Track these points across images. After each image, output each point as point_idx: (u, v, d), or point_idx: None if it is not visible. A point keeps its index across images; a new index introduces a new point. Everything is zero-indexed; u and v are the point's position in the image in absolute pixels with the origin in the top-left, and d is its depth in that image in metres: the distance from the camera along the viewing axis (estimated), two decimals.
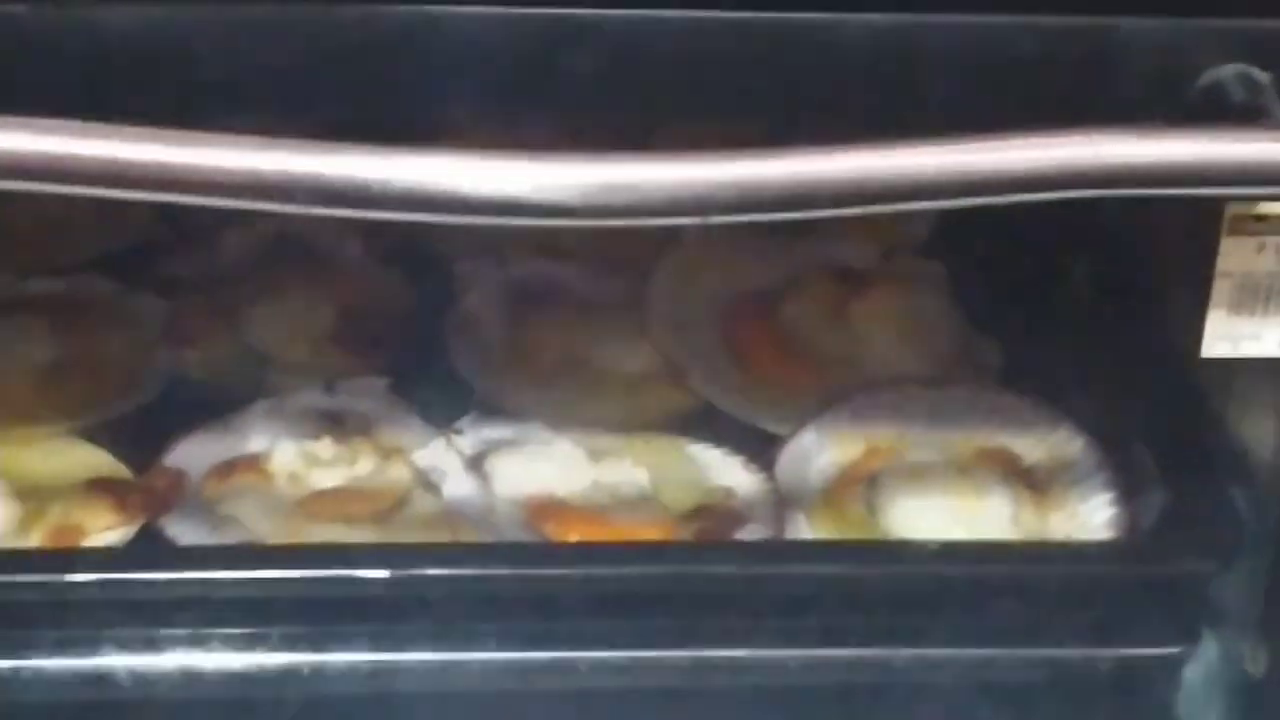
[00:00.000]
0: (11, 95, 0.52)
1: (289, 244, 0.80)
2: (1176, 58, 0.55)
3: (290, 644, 0.67)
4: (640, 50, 0.55)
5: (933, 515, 0.71)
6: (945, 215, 0.82)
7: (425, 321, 0.80)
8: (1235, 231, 0.57)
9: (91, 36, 0.54)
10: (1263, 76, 0.54)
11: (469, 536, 0.71)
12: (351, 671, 0.68)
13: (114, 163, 0.51)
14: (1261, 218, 0.57)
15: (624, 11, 0.54)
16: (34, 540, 0.69)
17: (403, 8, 0.54)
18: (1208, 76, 0.54)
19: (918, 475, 0.73)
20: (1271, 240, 0.58)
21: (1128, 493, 0.73)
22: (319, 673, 0.68)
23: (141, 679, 0.67)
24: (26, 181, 0.51)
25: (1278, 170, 0.53)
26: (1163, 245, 0.64)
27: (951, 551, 0.70)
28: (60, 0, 0.53)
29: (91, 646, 0.67)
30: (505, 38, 0.55)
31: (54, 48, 0.54)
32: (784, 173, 0.53)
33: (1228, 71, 0.54)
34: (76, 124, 0.51)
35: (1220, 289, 0.58)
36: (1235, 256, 0.57)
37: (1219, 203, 0.56)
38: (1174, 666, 0.71)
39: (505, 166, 0.51)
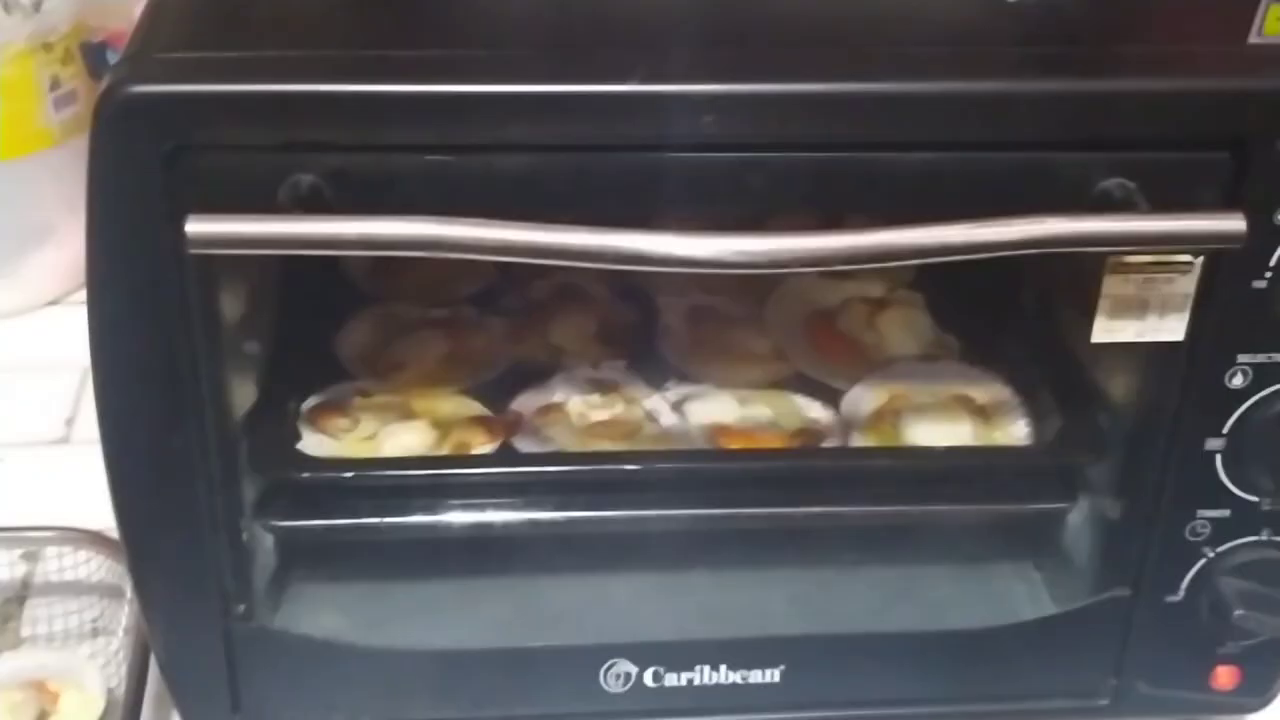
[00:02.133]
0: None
1: (570, 287, 0.79)
2: (1085, 175, 0.53)
3: (582, 505, 0.65)
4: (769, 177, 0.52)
5: (929, 434, 0.70)
6: (921, 266, 0.79)
7: (645, 329, 0.79)
8: (1113, 271, 0.56)
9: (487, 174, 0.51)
10: (1131, 185, 0.53)
11: (676, 446, 0.71)
12: (609, 521, 0.65)
13: (495, 240, 0.49)
14: (1126, 264, 0.55)
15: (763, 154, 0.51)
16: (444, 451, 0.68)
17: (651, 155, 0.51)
18: (1100, 185, 0.53)
19: (920, 411, 0.71)
20: (1134, 277, 0.56)
21: (1038, 420, 0.71)
22: (597, 523, 0.65)
23: (502, 527, 0.65)
24: (442, 251, 0.49)
25: (1135, 238, 0.53)
26: (1069, 278, 0.62)
27: (941, 452, 0.69)
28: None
29: (479, 508, 0.65)
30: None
31: (457, 186, 0.51)
32: (849, 243, 0.51)
33: (1111, 182, 0.53)
34: (472, 220, 0.49)
35: (1103, 305, 0.57)
36: (1112, 286, 0.56)
37: (1104, 254, 0.55)
38: (1063, 515, 0.69)
39: (699, 241, 0.50)
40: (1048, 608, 0.66)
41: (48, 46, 0.82)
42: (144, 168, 0.48)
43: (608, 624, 0.63)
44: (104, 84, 0.49)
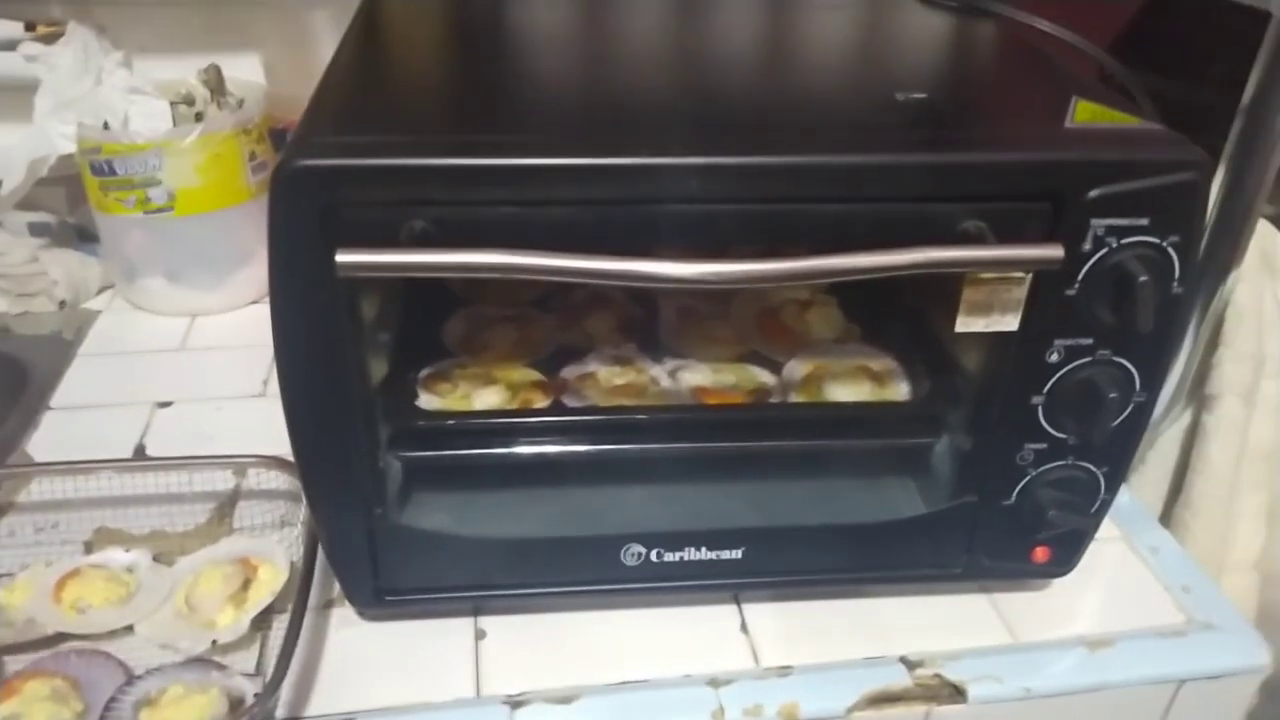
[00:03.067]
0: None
1: (599, 296, 0.77)
2: (951, 218, 0.52)
3: (608, 441, 0.63)
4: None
5: (842, 393, 0.68)
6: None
7: (649, 322, 0.75)
8: (970, 284, 0.54)
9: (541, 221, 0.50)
10: (983, 225, 0.52)
11: (671, 402, 0.69)
12: (625, 452, 0.63)
13: (545, 266, 0.49)
14: (979, 279, 0.54)
15: (729, 206, 0.50)
16: (514, 406, 0.66)
17: (653, 206, 0.50)
18: (962, 225, 0.52)
19: (835, 377, 0.69)
20: (984, 288, 0.54)
21: (915, 383, 0.68)
22: (618, 453, 0.63)
23: (553, 456, 0.63)
24: (510, 274, 0.49)
25: (986, 262, 0.52)
26: (938, 288, 0.58)
27: (850, 405, 0.67)
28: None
29: (538, 444, 0.63)
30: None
31: (521, 229, 0.50)
32: (786, 267, 0.50)
33: (970, 223, 0.52)
34: (531, 252, 0.48)
35: (962, 307, 0.55)
36: (969, 294, 0.54)
37: (964, 273, 0.54)
38: (932, 446, 0.66)
39: (684, 266, 0.49)
40: (921, 509, 0.65)
41: (247, 131, 0.81)
42: (305, 217, 0.48)
43: (625, 521, 0.61)
44: (279, 160, 0.48)
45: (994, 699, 0.57)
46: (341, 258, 0.48)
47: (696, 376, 0.69)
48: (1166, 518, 0.80)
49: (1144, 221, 0.51)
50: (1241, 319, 0.74)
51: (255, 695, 0.51)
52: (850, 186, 0.51)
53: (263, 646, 0.57)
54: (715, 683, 0.57)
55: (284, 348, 0.51)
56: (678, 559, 0.60)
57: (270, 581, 0.60)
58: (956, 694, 0.57)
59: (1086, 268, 0.52)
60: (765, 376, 0.69)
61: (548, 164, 0.49)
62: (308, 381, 0.52)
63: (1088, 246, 0.52)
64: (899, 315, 0.70)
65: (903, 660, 0.58)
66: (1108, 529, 0.65)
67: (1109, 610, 0.62)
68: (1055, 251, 0.51)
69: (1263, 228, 0.73)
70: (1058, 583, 0.64)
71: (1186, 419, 0.80)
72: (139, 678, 0.53)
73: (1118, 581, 0.64)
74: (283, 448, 0.55)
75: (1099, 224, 0.51)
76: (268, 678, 0.51)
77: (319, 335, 0.51)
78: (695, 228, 0.50)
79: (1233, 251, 0.72)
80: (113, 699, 0.51)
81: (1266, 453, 0.78)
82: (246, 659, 0.56)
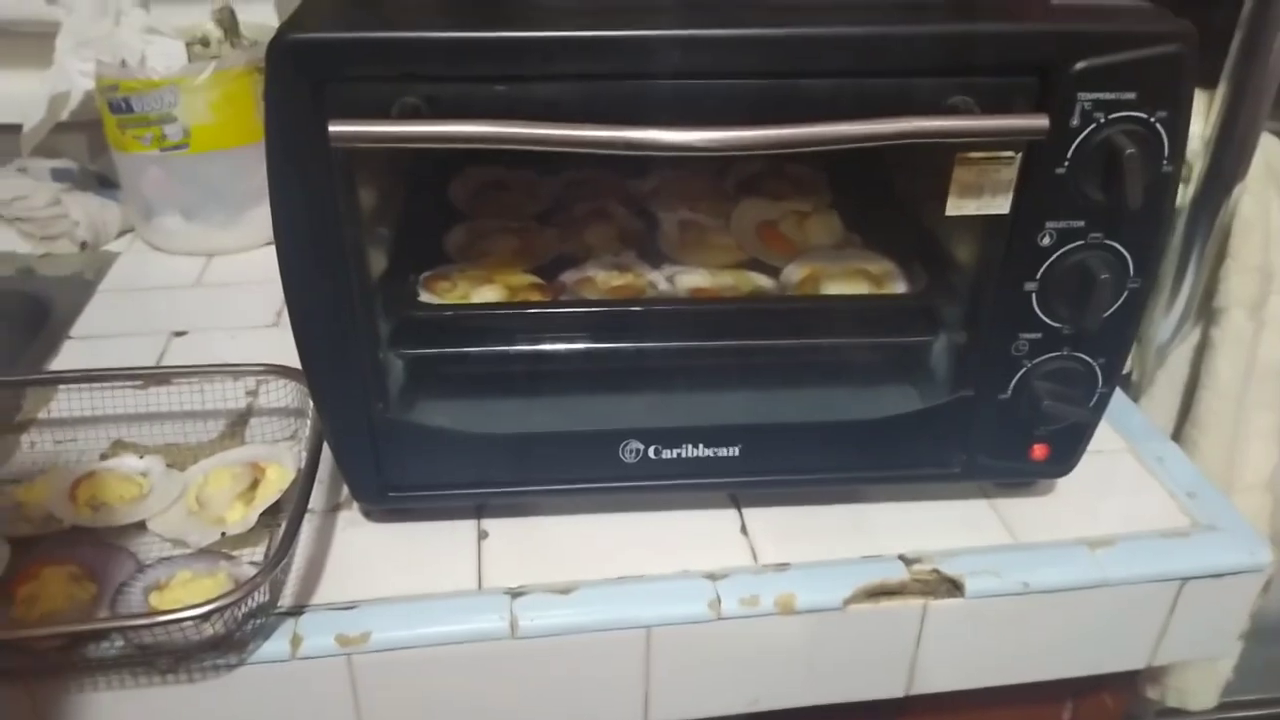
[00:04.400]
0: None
1: (600, 210, 0.75)
2: (940, 92, 0.52)
3: (607, 339, 0.64)
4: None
5: (840, 292, 0.68)
6: (835, 187, 0.78)
7: (650, 234, 0.75)
8: (960, 164, 0.54)
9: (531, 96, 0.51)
10: (970, 99, 0.53)
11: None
12: (624, 351, 0.62)
13: (536, 135, 0.49)
14: (969, 159, 0.54)
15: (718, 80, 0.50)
16: None
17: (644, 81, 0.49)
18: (950, 99, 0.52)
19: (834, 278, 0.69)
20: (974, 168, 0.54)
21: (912, 283, 0.68)
22: (617, 352, 0.63)
23: (552, 354, 0.63)
24: (498, 144, 0.48)
25: (973, 131, 0.52)
26: (930, 178, 0.58)
27: (848, 297, 0.67)
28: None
29: (536, 340, 0.63)
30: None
31: (511, 105, 0.49)
32: (777, 134, 0.50)
33: (957, 98, 0.52)
34: (520, 121, 0.48)
35: (953, 189, 0.55)
36: (959, 175, 0.54)
37: (954, 149, 0.54)
38: (929, 345, 0.66)
39: (678, 133, 0.49)
40: (918, 405, 0.63)
41: (260, 69, 0.81)
42: (300, 92, 0.49)
43: (624, 417, 0.61)
44: (274, 36, 0.48)
45: (992, 593, 0.57)
46: (334, 128, 0.48)
47: (694, 279, 0.68)
48: (1176, 438, 0.80)
49: (1131, 96, 0.51)
50: (1248, 231, 0.74)
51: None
52: (838, 61, 0.51)
53: (271, 541, 0.57)
54: (713, 576, 0.57)
55: (283, 231, 0.52)
56: (675, 455, 0.60)
57: (278, 480, 0.61)
58: (954, 588, 0.57)
59: (1075, 144, 0.52)
60: (763, 280, 0.69)
61: (537, 37, 0.49)
62: (308, 267, 0.52)
63: (1075, 122, 0.52)
64: (894, 222, 0.70)
65: (900, 557, 0.58)
66: (1114, 441, 0.66)
67: (1112, 514, 0.61)
68: (1040, 121, 0.51)
69: (1267, 141, 0.72)
70: (1061, 489, 0.63)
71: (1196, 337, 0.79)
72: (149, 566, 0.55)
73: (1123, 488, 0.64)
74: (293, 363, 0.55)
75: (1086, 98, 0.51)
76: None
77: (317, 215, 0.51)
78: (683, 103, 0.50)
79: (1237, 164, 0.73)
80: (124, 584, 0.52)
81: (1276, 371, 0.77)
82: (255, 553, 0.57)
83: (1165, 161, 0.52)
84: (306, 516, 0.55)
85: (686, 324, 0.63)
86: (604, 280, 0.67)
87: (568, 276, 0.68)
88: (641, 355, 0.62)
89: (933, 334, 0.65)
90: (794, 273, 0.69)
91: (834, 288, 0.67)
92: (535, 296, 0.65)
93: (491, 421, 0.61)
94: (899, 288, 0.68)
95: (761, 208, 0.74)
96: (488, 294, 0.64)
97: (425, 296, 0.63)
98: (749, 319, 0.65)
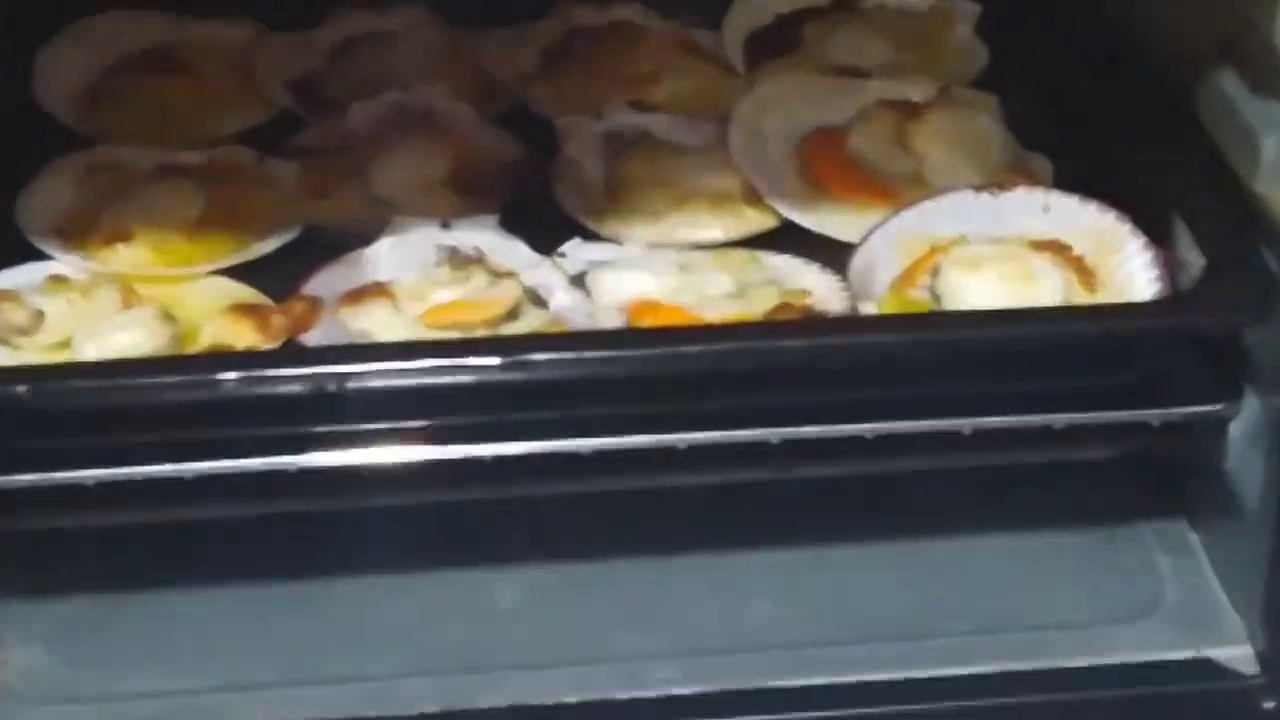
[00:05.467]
0: None
1: (407, 111, 0.81)
2: None
3: (419, 438, 0.68)
4: None
5: (991, 297, 0.69)
6: (995, 51, 0.85)
7: (530, 168, 0.79)
8: None
9: None
10: None
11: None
12: (475, 463, 0.67)
13: None
14: None
15: None
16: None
17: None
18: None
19: (976, 262, 0.70)
20: None
21: (1169, 266, 0.70)
22: (455, 466, 0.68)
23: (289, 488, 0.68)
24: None
25: None
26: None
27: (1003, 316, 0.68)
28: None
29: (252, 450, 0.67)
30: None
31: None
32: None
33: None
34: None
35: None
36: None
37: None
38: (1220, 424, 0.69)
39: None
40: (1215, 616, 0.70)
41: None
42: None
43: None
44: None
45: None
46: None
47: (638, 281, 0.72)
48: None
49: None
50: None
51: None
52: None
53: None
54: None
55: None
56: None
57: None
58: None
59: None
60: (808, 276, 0.73)
61: None
62: None
63: None
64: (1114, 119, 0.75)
65: None
66: None
67: None
68: None
69: None
70: None
71: None
72: None
73: None
74: None
75: None
76: None
77: None
78: None
79: None
80: None
81: None
82: None
83: None
84: None
85: (613, 402, 0.67)
86: (415, 291, 0.71)
87: (323, 282, 0.71)
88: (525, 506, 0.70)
89: (1232, 400, 0.68)
90: (881, 255, 0.73)
91: (979, 286, 0.70)
92: (245, 333, 0.69)
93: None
94: (1137, 281, 0.71)
95: (811, 96, 0.81)
96: (121, 338, 0.68)
97: None
98: (766, 372, 0.68)
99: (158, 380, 0.66)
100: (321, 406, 0.67)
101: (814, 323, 0.70)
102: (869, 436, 0.68)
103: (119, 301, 0.70)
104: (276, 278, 0.72)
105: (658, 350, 0.67)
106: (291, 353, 0.69)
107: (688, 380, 0.68)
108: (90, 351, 0.68)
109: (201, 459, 0.67)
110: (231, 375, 0.65)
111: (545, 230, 0.75)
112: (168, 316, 0.69)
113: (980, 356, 0.70)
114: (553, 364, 0.66)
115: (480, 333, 0.70)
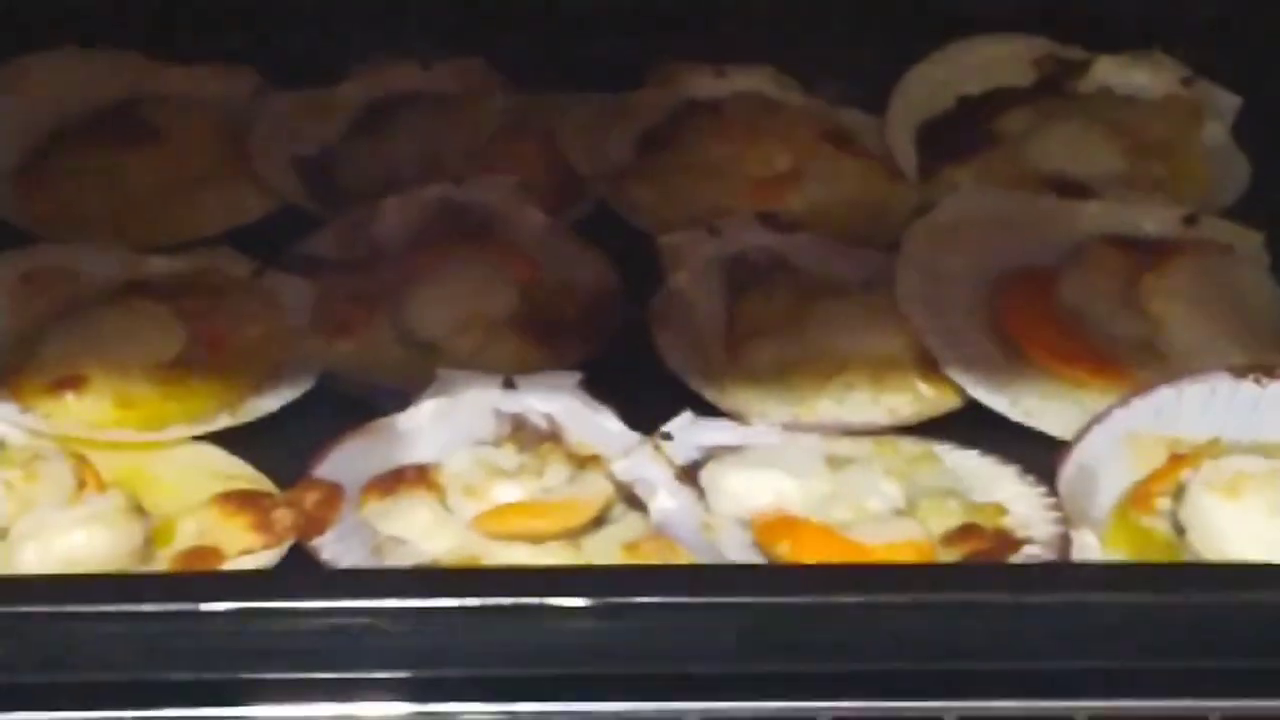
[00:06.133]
0: None
1: (458, 212, 0.82)
2: None
3: (469, 692, 0.67)
4: None
5: (1260, 535, 0.69)
6: (1259, 163, 0.86)
7: (622, 304, 0.80)
8: None
9: None
10: None
11: (682, 560, 0.70)
12: None
13: None
14: None
15: None
16: (161, 565, 0.69)
17: None
18: None
19: (1239, 486, 0.70)
20: None
21: None
22: None
23: None
24: None
25: None
26: None
27: None
28: None
29: (233, 694, 0.67)
30: None
31: None
32: None
33: None
34: None
35: None
36: None
37: None
38: None
39: None
40: None
41: None
42: None
43: None
44: None
45: None
46: None
47: (767, 481, 0.73)
48: None
49: None
50: None
51: None
52: None
53: None
54: None
55: None
56: None
57: None
58: None
59: None
60: (1006, 484, 0.74)
61: None
62: None
63: None
64: None
65: None
66: None
67: None
68: None
69: None
70: None
71: None
72: None
73: None
74: None
75: None
76: None
77: None
78: None
79: None
80: None
81: None
82: None
83: None
84: None
85: (742, 635, 0.67)
86: (467, 483, 0.72)
87: (341, 463, 0.73)
88: None
89: None
90: (1108, 459, 0.74)
91: (1234, 521, 0.71)
92: (236, 534, 0.70)
93: None
94: None
95: (1011, 220, 0.84)
96: (66, 540, 0.69)
97: None
98: (954, 630, 0.67)
99: (123, 609, 0.66)
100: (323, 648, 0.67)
101: (1034, 576, 0.70)
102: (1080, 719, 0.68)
103: (71, 481, 0.71)
104: (280, 449, 0.75)
105: (802, 599, 0.67)
106: (309, 581, 0.68)
107: (840, 634, 0.68)
108: (30, 556, 0.69)
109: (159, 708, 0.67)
110: (220, 607, 0.65)
111: (643, 396, 0.77)
112: (135, 509, 0.70)
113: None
114: (665, 611, 0.66)
115: (553, 545, 0.70)
